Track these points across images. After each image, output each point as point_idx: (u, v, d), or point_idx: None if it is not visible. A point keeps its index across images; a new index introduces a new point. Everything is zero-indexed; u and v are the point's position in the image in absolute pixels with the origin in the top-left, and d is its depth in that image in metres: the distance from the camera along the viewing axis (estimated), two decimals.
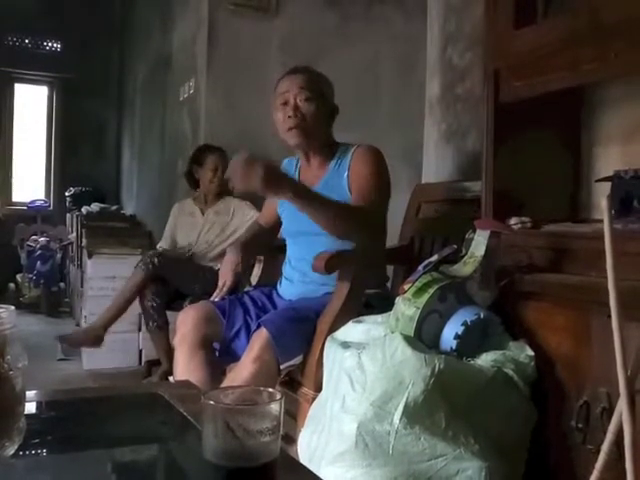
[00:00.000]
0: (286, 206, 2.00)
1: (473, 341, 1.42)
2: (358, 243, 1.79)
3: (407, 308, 1.44)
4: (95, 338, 2.87)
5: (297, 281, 1.93)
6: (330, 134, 1.98)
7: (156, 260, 2.83)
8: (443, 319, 1.43)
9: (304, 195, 1.66)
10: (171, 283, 2.89)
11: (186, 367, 1.78)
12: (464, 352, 1.41)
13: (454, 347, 1.40)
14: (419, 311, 1.42)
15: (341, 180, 1.89)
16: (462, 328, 1.40)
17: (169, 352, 2.95)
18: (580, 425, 1.33)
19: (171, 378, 1.93)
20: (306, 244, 1.89)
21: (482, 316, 1.42)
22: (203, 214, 3.17)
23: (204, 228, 3.14)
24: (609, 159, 1.83)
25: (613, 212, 1.41)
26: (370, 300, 1.82)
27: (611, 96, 1.83)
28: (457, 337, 1.40)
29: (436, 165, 3.18)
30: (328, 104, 1.94)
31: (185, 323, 1.84)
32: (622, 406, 1.04)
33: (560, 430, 1.40)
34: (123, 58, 6.33)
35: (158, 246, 3.22)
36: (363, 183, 1.83)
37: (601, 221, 1.08)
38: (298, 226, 1.94)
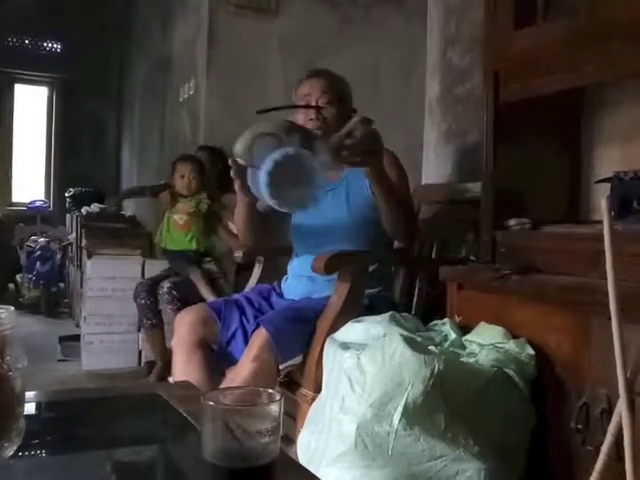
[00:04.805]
0: None
1: (287, 177, 1.41)
2: (400, 239, 1.86)
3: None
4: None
5: (305, 278, 1.93)
6: None
7: (175, 292, 2.83)
8: (278, 147, 1.44)
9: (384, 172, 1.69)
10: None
11: (184, 368, 1.78)
12: (278, 187, 1.41)
13: (267, 182, 1.40)
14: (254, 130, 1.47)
15: (360, 179, 1.87)
16: (271, 164, 1.40)
17: (164, 352, 2.96)
18: (580, 426, 1.33)
19: (170, 379, 1.93)
20: (319, 240, 1.89)
21: (290, 153, 1.42)
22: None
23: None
24: (609, 160, 1.84)
25: (613, 213, 1.40)
26: (373, 302, 1.83)
27: (610, 97, 1.83)
28: (268, 174, 1.40)
29: (436, 166, 3.19)
30: (347, 107, 1.97)
31: (182, 326, 1.85)
32: (621, 407, 1.04)
33: (560, 431, 1.40)
34: (123, 59, 6.33)
35: None
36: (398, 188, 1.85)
37: (601, 222, 1.08)
38: (314, 220, 1.94)
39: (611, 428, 1.08)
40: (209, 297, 2.81)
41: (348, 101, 2.00)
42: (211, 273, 3.02)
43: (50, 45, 6.24)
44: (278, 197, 1.42)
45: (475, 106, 2.58)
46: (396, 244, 2.30)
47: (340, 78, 2.01)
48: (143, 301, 2.95)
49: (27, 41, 6.14)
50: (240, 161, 1.55)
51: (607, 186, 1.59)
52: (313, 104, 1.91)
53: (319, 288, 1.88)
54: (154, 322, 2.96)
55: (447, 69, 3.12)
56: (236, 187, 1.65)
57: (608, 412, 1.24)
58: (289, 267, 2.04)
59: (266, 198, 1.43)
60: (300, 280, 1.95)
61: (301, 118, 1.91)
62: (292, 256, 2.05)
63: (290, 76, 3.18)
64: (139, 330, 3.36)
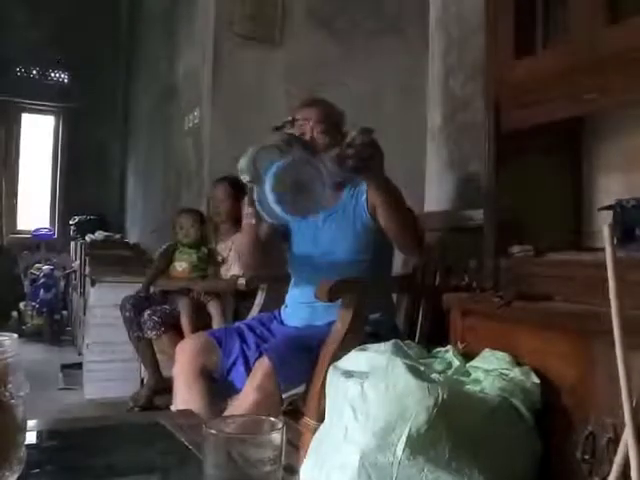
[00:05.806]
0: (302, 227, 2.00)
1: (290, 181, 1.43)
2: (406, 249, 1.86)
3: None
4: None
5: (305, 305, 1.92)
6: None
7: (155, 317, 2.87)
8: (280, 158, 1.49)
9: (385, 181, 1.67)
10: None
11: (185, 397, 1.78)
12: (283, 191, 1.43)
13: (272, 187, 1.42)
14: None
15: (358, 204, 1.91)
16: (275, 169, 1.43)
17: (155, 364, 2.97)
18: (586, 456, 1.31)
19: (172, 407, 1.92)
20: (318, 268, 1.89)
21: (293, 158, 1.47)
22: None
23: None
24: (611, 187, 1.84)
25: (615, 240, 1.41)
26: (376, 329, 1.82)
27: (612, 124, 1.85)
28: (273, 177, 1.42)
29: (438, 193, 3.20)
30: (343, 136, 1.94)
31: (183, 354, 1.85)
32: (628, 437, 1.03)
33: (566, 461, 1.38)
34: (129, 87, 6.39)
35: None
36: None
37: (603, 249, 1.08)
38: (313, 247, 1.94)
39: (618, 458, 1.06)
40: (188, 330, 2.80)
41: (341, 129, 2.01)
42: (200, 300, 2.98)
43: (57, 75, 6.32)
44: (284, 202, 1.43)
45: (477, 134, 2.60)
46: (399, 270, 2.30)
47: (335, 107, 2.04)
48: (127, 314, 2.93)
49: (34, 71, 6.22)
50: (244, 177, 1.58)
51: (610, 213, 1.59)
52: (308, 133, 1.92)
53: (320, 315, 1.87)
54: (139, 335, 2.93)
55: (449, 97, 3.15)
56: (247, 214, 1.71)
57: (614, 442, 1.22)
58: (288, 295, 2.04)
59: (272, 205, 1.43)
60: (300, 308, 1.94)
61: None
62: (291, 284, 2.05)
63: (294, 104, 3.21)
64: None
